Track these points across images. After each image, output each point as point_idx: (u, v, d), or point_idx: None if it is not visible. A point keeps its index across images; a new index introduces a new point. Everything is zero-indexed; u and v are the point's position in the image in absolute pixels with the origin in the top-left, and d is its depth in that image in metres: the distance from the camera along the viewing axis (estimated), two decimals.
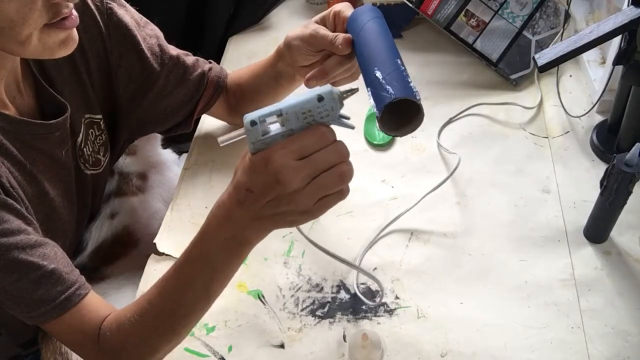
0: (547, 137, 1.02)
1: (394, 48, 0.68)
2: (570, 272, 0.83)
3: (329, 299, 0.83)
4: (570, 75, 1.12)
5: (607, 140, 0.97)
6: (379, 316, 0.81)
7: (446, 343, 0.77)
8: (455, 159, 0.96)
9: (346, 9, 0.76)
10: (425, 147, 1.02)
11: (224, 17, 1.28)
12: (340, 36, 0.74)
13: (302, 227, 0.69)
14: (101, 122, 0.86)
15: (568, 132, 1.02)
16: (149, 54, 0.86)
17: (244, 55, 1.22)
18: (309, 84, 0.79)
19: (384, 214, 0.91)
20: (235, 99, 0.98)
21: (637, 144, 0.74)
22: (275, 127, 0.58)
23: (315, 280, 0.85)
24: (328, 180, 0.57)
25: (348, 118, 0.60)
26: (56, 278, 0.66)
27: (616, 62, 0.86)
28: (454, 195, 0.94)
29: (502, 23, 1.12)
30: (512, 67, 1.12)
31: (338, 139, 0.58)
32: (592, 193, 0.87)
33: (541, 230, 0.88)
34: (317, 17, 0.80)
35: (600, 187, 0.80)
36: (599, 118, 1.03)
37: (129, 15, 0.85)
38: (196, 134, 1.07)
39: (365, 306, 0.82)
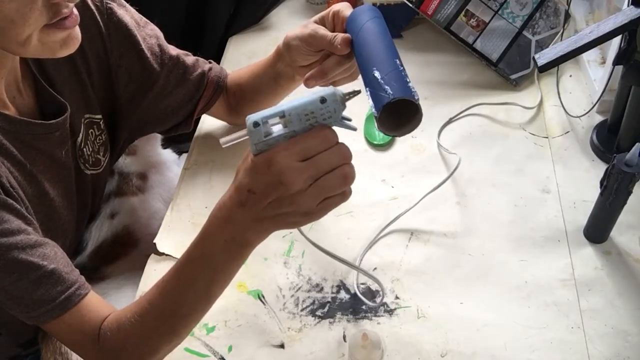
0: (547, 137, 1.02)
1: (392, 48, 0.68)
2: (570, 272, 0.83)
3: (329, 299, 0.83)
4: (570, 75, 1.12)
5: (607, 140, 0.97)
6: (379, 316, 0.81)
7: (446, 343, 0.77)
8: (455, 159, 0.96)
9: (345, 9, 0.76)
10: (425, 147, 1.02)
11: (224, 17, 1.28)
12: (340, 36, 0.73)
13: (302, 227, 0.69)
14: (101, 122, 0.86)
15: (568, 132, 1.02)
16: (149, 54, 0.86)
17: (244, 55, 1.22)
18: (308, 84, 0.79)
19: (384, 214, 0.91)
20: (235, 99, 0.98)
21: (637, 144, 0.74)
22: (277, 129, 0.58)
23: (315, 280, 0.85)
24: (331, 182, 0.57)
25: (350, 120, 0.60)
26: (56, 278, 0.66)
27: (616, 62, 0.86)
28: (454, 195, 0.94)
29: (502, 23, 1.12)
30: (512, 67, 1.12)
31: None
32: (592, 193, 0.87)
33: (541, 230, 0.88)
34: (316, 17, 0.80)
35: (600, 187, 0.80)
36: (599, 118, 1.03)
37: (129, 15, 0.85)
38: (196, 134, 1.07)
39: (365, 306, 0.82)
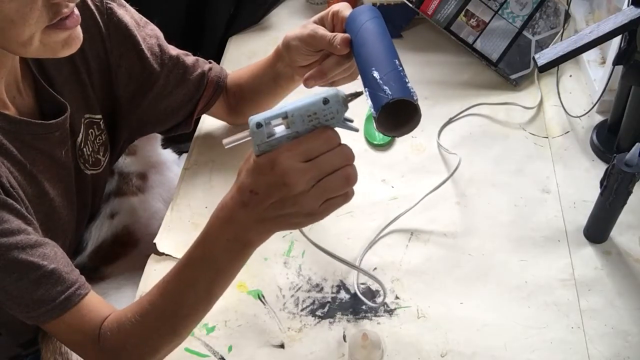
0: (547, 137, 1.02)
1: (392, 48, 0.68)
2: (570, 272, 0.83)
3: (329, 299, 0.83)
4: (570, 75, 1.12)
5: (607, 140, 0.97)
6: (379, 316, 0.81)
7: (446, 343, 0.77)
8: (455, 159, 0.96)
9: (345, 9, 0.76)
10: (425, 147, 1.02)
11: (224, 17, 1.28)
12: (339, 36, 0.73)
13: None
14: (101, 122, 0.86)
15: (568, 132, 1.02)
16: (149, 54, 0.86)
17: (244, 55, 1.22)
18: (307, 84, 0.79)
19: (384, 214, 0.91)
20: (235, 99, 0.98)
21: (637, 144, 0.74)
22: (280, 130, 0.58)
23: (315, 280, 0.85)
24: (334, 183, 0.57)
25: (352, 121, 0.60)
26: (56, 278, 0.66)
27: (616, 62, 0.86)
28: (454, 195, 0.94)
29: (502, 23, 1.12)
30: (512, 67, 1.12)
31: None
32: (592, 193, 0.87)
33: (541, 230, 0.88)
34: (316, 17, 0.80)
35: (600, 187, 0.80)
36: (599, 118, 1.03)
37: (129, 15, 0.85)
38: (196, 134, 1.07)
39: (365, 306, 0.82)
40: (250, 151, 0.59)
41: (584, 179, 0.94)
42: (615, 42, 0.93)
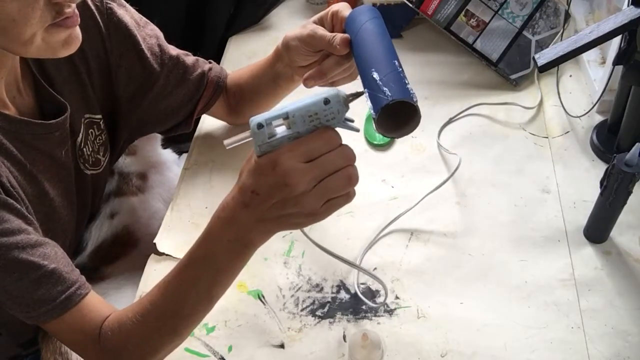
0: (547, 137, 1.02)
1: (391, 49, 0.68)
2: (570, 272, 0.83)
3: (329, 299, 0.83)
4: (570, 75, 1.12)
5: (607, 140, 0.97)
6: (379, 316, 0.81)
7: (446, 343, 0.77)
8: (455, 159, 0.96)
9: (344, 9, 0.76)
10: (425, 147, 1.02)
11: (224, 17, 1.28)
12: (338, 36, 0.73)
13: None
14: (101, 122, 0.86)
15: (568, 132, 1.02)
16: (149, 54, 0.86)
17: (244, 55, 1.22)
18: (307, 84, 0.79)
19: (384, 214, 0.91)
20: (235, 99, 0.98)
21: (637, 144, 0.74)
22: (281, 130, 0.58)
23: (315, 280, 0.85)
24: (335, 183, 0.57)
25: (352, 121, 0.60)
26: (56, 278, 0.66)
27: (616, 62, 0.86)
28: (454, 195, 0.94)
29: (502, 23, 1.12)
30: (512, 67, 1.12)
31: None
32: (592, 193, 0.87)
33: (541, 230, 0.88)
34: (315, 17, 0.80)
35: (600, 187, 0.80)
36: (599, 118, 1.03)
37: (129, 15, 0.85)
38: (196, 134, 1.07)
39: (365, 306, 0.82)
40: (252, 152, 0.59)
41: (584, 179, 0.94)
42: (615, 42, 0.94)
